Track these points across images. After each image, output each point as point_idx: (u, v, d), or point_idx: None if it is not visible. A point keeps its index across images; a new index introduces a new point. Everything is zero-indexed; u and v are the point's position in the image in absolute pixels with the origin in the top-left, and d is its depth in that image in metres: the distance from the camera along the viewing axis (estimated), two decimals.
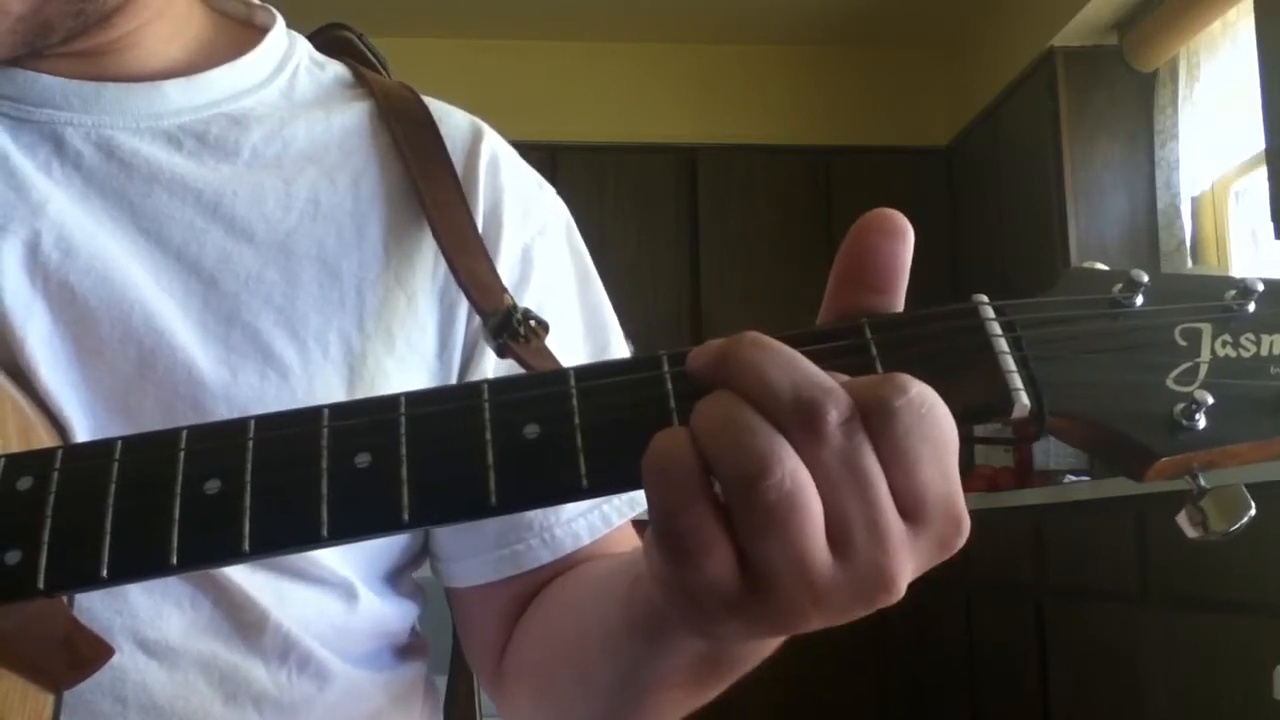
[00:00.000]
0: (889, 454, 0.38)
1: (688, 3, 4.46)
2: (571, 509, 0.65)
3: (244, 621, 0.59)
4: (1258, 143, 3.04)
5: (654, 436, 0.38)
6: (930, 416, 0.38)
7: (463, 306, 0.65)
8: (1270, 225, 2.87)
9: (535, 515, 0.65)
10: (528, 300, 0.66)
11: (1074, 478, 3.37)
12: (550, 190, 0.73)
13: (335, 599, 0.63)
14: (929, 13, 4.48)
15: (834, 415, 0.37)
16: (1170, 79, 3.63)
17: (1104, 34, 3.82)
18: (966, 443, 0.40)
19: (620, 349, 0.73)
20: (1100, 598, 2.81)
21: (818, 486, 0.37)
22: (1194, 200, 3.55)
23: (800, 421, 0.37)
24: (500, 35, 4.63)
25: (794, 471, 0.37)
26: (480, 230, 0.66)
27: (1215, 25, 3.39)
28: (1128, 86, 3.78)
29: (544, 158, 4.45)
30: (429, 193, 0.65)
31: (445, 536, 0.67)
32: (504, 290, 0.62)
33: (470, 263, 0.63)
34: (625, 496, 0.67)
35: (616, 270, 4.60)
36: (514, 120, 4.88)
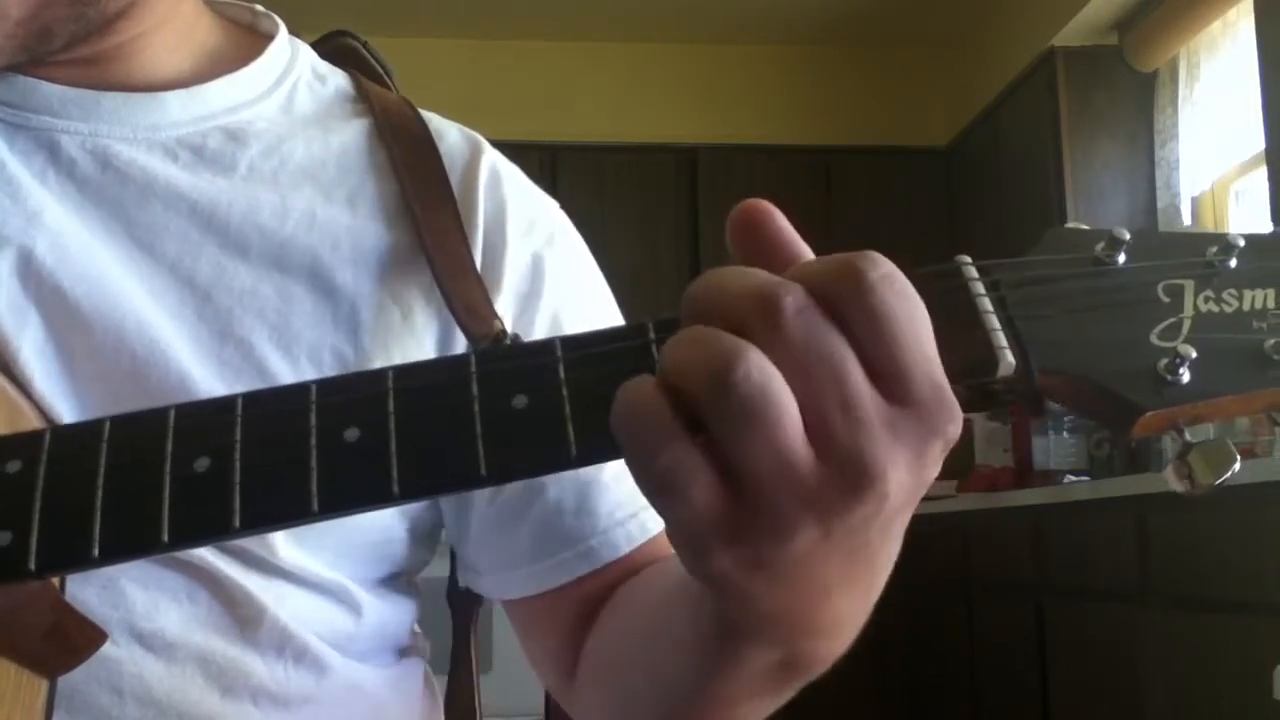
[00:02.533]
0: (862, 328, 0.37)
1: (688, 3, 4.47)
2: (606, 519, 0.65)
3: (241, 615, 0.59)
4: (1258, 143, 3.04)
5: (619, 390, 0.38)
6: (905, 291, 0.38)
7: (457, 327, 0.64)
8: (1270, 225, 2.87)
9: (572, 530, 0.64)
10: (543, 310, 0.66)
11: (1074, 478, 3.36)
12: (554, 203, 0.73)
13: (333, 602, 0.63)
14: (929, 13, 4.49)
15: (790, 301, 0.37)
16: (1170, 79, 3.63)
17: (1104, 34, 3.82)
18: (965, 410, 0.39)
19: None
20: (1100, 598, 2.81)
21: (788, 380, 0.37)
22: (1194, 200, 3.56)
23: (758, 314, 0.37)
24: (500, 35, 4.63)
25: (760, 365, 0.36)
26: (480, 248, 0.66)
27: (1215, 25, 3.39)
28: (1128, 86, 3.79)
29: (544, 158, 4.45)
30: (424, 216, 0.65)
31: (474, 549, 0.67)
32: (495, 316, 0.62)
33: (463, 288, 0.63)
34: None
35: (616, 270, 4.54)
36: (514, 120, 4.88)
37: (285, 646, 0.60)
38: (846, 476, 0.37)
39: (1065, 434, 3.49)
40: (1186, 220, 3.55)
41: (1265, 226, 2.99)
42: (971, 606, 3.61)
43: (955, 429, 0.39)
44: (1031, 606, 3.14)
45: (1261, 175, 3.04)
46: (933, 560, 3.69)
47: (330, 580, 0.62)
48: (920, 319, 0.38)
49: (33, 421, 0.54)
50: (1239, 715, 2.23)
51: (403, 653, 0.68)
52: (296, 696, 0.60)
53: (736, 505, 0.38)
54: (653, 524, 0.65)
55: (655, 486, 0.37)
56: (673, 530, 0.39)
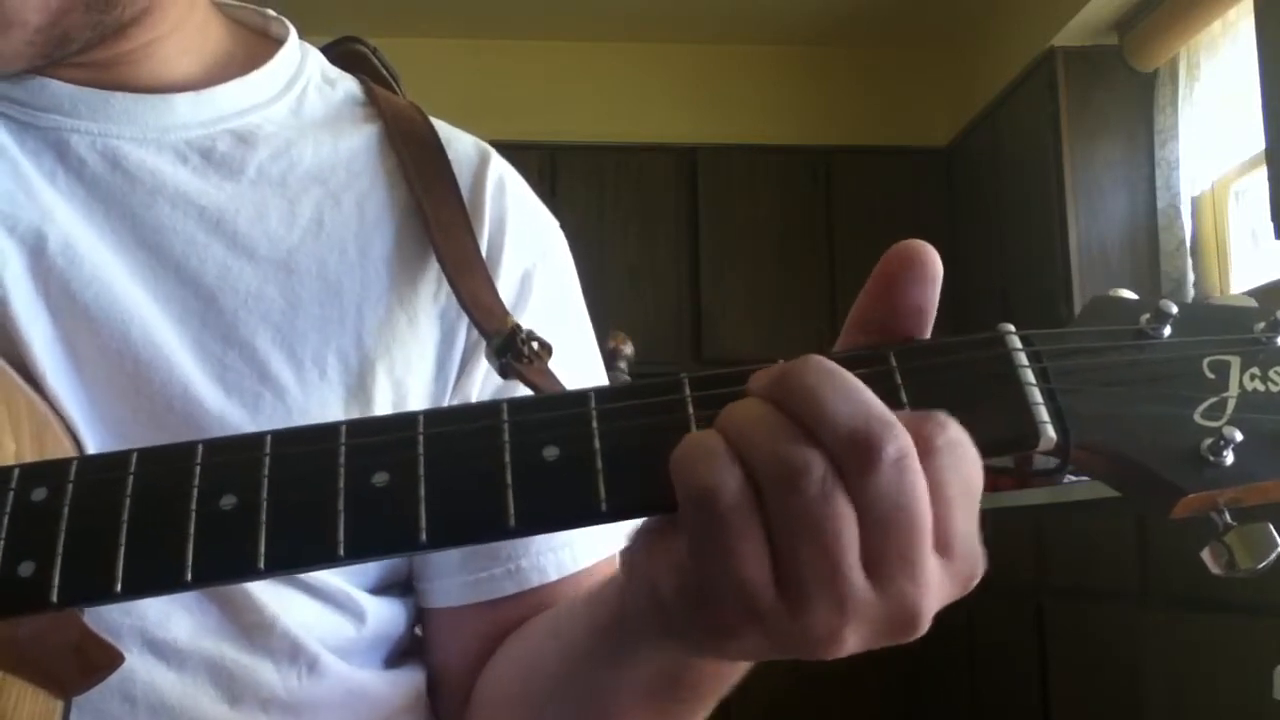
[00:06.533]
0: (947, 494, 0.38)
1: (688, 3, 4.46)
2: (541, 544, 0.65)
3: (251, 624, 0.59)
4: (1258, 143, 3.04)
5: (683, 439, 0.38)
6: (966, 456, 0.39)
7: (461, 328, 0.65)
8: (1270, 225, 2.87)
9: (504, 547, 0.65)
10: (522, 323, 0.67)
11: (1074, 478, 3.36)
12: (554, 221, 0.74)
13: (337, 607, 0.63)
14: (929, 13, 4.48)
15: (891, 450, 0.37)
16: (1170, 79, 3.63)
17: (1104, 34, 3.82)
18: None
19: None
20: (1100, 598, 2.81)
21: (863, 517, 0.37)
22: (1194, 200, 3.55)
23: (856, 449, 0.37)
24: (499, 35, 4.63)
25: (832, 484, 0.37)
26: (485, 251, 0.66)
27: (1215, 25, 3.39)
28: (1128, 86, 3.78)
29: (543, 158, 4.44)
30: (434, 216, 0.65)
31: (419, 556, 0.67)
32: (507, 313, 0.63)
33: (473, 286, 0.63)
34: (597, 537, 0.67)
35: (616, 270, 4.59)
36: (513, 120, 4.87)
37: (297, 655, 0.60)
38: (893, 615, 0.38)
39: None
40: (1186, 220, 3.54)
41: (1265, 227, 2.98)
42: (971, 606, 3.60)
43: (977, 579, 0.40)
44: (1031, 606, 3.14)
45: (1261, 175, 3.03)
46: None
47: (333, 587, 0.62)
48: (975, 482, 0.39)
49: (60, 436, 0.54)
50: (1239, 715, 2.23)
51: (405, 656, 0.68)
52: (305, 704, 0.61)
53: (781, 596, 0.38)
54: (584, 557, 0.66)
55: (705, 533, 0.37)
56: (697, 590, 0.38)
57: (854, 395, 0.38)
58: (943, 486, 0.38)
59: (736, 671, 0.48)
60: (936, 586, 0.39)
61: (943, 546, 0.39)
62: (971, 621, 3.62)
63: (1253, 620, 2.20)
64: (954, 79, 4.68)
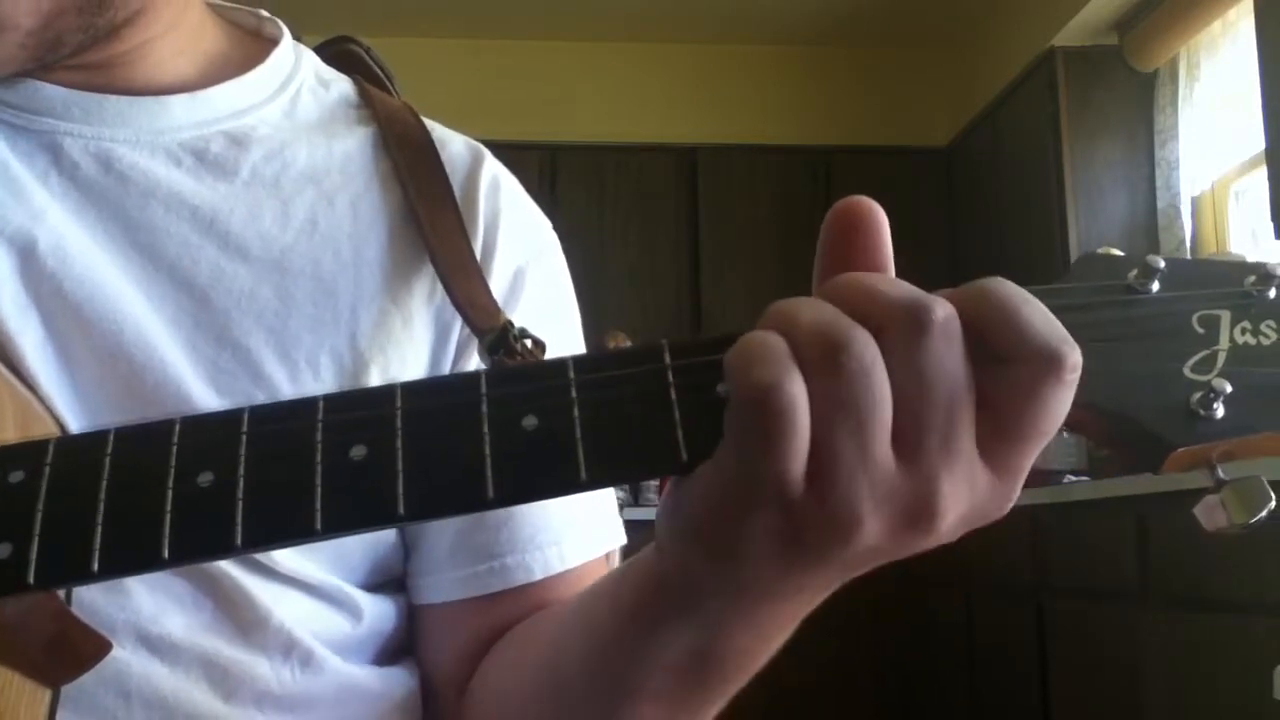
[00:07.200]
0: (1010, 392, 0.38)
1: (688, 3, 4.46)
2: (528, 542, 0.64)
3: (245, 620, 0.59)
4: (1258, 143, 3.04)
5: (740, 338, 0.38)
6: (1072, 383, 0.38)
7: (455, 329, 0.65)
8: (1270, 225, 2.87)
9: (493, 544, 0.64)
10: (515, 320, 0.66)
11: (1074, 478, 3.36)
12: (548, 222, 0.74)
13: (332, 606, 0.63)
14: (929, 13, 4.49)
15: (940, 313, 0.38)
16: (1170, 79, 3.63)
17: (1104, 34, 3.82)
18: None
19: None
20: (1100, 598, 2.81)
21: (903, 390, 0.37)
22: (1194, 200, 3.55)
23: (908, 316, 0.38)
24: (499, 35, 4.63)
25: (875, 355, 0.37)
26: (479, 249, 0.66)
27: (1215, 25, 3.39)
28: (1128, 86, 3.78)
29: (544, 158, 4.45)
30: (428, 218, 0.65)
31: (409, 552, 0.67)
32: (500, 311, 0.63)
33: (467, 286, 0.63)
34: (587, 539, 0.66)
35: (616, 270, 4.60)
36: (513, 120, 4.87)
37: (291, 651, 0.60)
38: (916, 503, 0.38)
39: (1065, 434, 3.47)
40: (1186, 220, 3.55)
41: (1265, 227, 2.98)
42: (971, 606, 3.62)
43: (997, 515, 0.40)
44: (1031, 606, 3.14)
45: (1261, 175, 3.03)
46: (932, 560, 3.67)
47: (328, 584, 0.62)
48: (1061, 404, 0.39)
49: (46, 421, 0.54)
50: (1239, 715, 2.23)
51: (400, 652, 0.68)
52: (301, 700, 0.60)
53: (808, 482, 0.38)
54: (572, 557, 0.65)
55: (760, 425, 0.37)
56: (737, 483, 0.38)
57: (902, 283, 0.39)
58: (1040, 402, 0.38)
59: (763, 650, 0.47)
60: (969, 481, 0.38)
61: (995, 450, 0.39)
62: (971, 621, 3.62)
63: (1252, 620, 2.20)
64: (954, 79, 4.68)
